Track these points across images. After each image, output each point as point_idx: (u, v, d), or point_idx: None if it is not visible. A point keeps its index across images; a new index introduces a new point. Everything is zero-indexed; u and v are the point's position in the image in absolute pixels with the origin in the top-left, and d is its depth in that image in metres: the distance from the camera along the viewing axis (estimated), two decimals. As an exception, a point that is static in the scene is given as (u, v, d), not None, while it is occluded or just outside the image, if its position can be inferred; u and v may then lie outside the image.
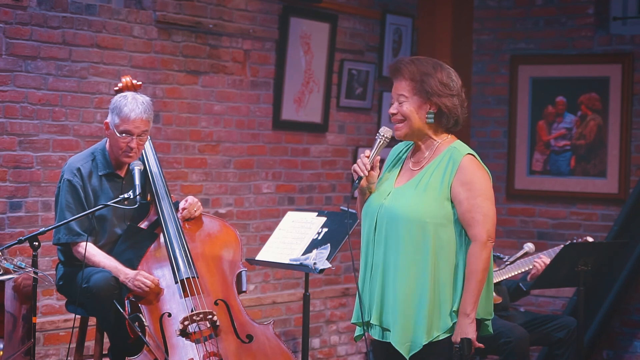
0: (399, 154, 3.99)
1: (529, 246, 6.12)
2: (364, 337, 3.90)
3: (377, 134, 3.90)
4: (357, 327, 3.95)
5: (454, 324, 3.73)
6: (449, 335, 3.73)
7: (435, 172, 3.79)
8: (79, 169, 4.88)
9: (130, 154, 4.88)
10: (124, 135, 4.84)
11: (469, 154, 3.80)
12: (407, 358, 3.74)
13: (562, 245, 5.77)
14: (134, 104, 4.86)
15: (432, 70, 3.80)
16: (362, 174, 3.84)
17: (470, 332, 3.70)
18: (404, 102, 3.82)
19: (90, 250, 4.78)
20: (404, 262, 3.74)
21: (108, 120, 4.91)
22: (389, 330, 3.79)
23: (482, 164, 3.83)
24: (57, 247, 4.98)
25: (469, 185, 3.74)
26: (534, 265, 5.91)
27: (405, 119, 3.82)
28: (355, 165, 3.85)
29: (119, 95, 4.94)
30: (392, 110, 3.85)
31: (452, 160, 3.77)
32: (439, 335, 3.73)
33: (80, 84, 5.73)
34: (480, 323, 3.82)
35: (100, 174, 4.91)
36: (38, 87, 5.55)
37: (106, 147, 4.96)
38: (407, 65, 3.82)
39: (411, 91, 3.80)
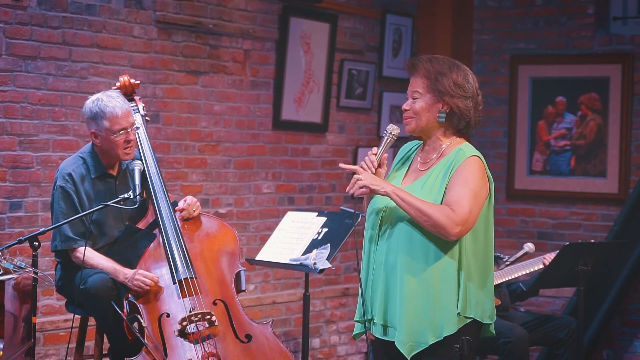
0: (407, 152, 3.98)
1: (529, 246, 6.12)
2: (364, 334, 3.90)
3: (385, 131, 3.88)
4: (356, 325, 3.95)
5: (459, 325, 3.73)
6: (450, 337, 3.73)
7: (440, 174, 3.78)
8: (70, 174, 4.86)
9: (129, 150, 4.88)
10: (121, 133, 4.84)
11: (474, 155, 3.79)
12: (409, 358, 3.74)
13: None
14: (113, 102, 4.85)
15: (447, 70, 3.78)
16: (369, 172, 3.83)
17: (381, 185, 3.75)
18: (417, 99, 3.81)
19: (88, 254, 4.77)
20: (408, 262, 3.73)
21: (93, 129, 4.86)
22: (392, 329, 3.78)
23: (486, 168, 3.81)
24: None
25: (457, 175, 3.74)
26: (543, 265, 5.91)
27: (416, 116, 3.82)
28: (362, 162, 3.84)
29: (89, 102, 4.89)
30: (405, 106, 3.85)
31: (455, 161, 3.76)
32: (442, 337, 3.72)
33: (80, 84, 5.74)
34: (482, 325, 3.83)
35: (92, 176, 4.90)
36: (38, 87, 5.55)
37: (94, 149, 4.94)
38: (423, 62, 3.82)
39: (425, 89, 3.80)
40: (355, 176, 3.78)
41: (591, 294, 6.75)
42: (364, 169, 3.82)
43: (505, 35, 7.70)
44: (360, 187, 3.76)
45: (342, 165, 3.87)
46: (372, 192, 3.78)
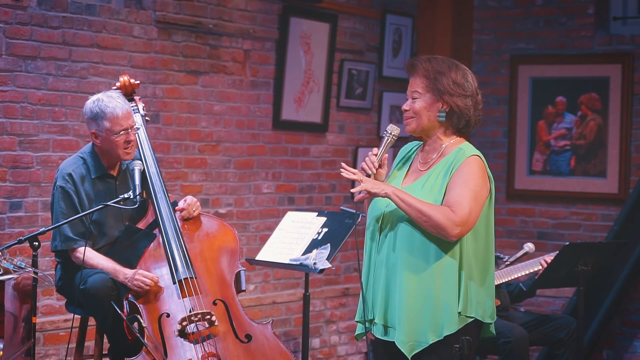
0: (408, 152, 3.99)
1: (529, 246, 6.12)
2: (365, 335, 3.90)
3: (385, 132, 3.89)
4: (358, 325, 3.95)
5: (460, 325, 3.73)
6: (451, 336, 3.72)
7: (440, 174, 3.79)
8: (70, 175, 4.86)
9: (130, 150, 4.88)
10: (121, 133, 4.83)
11: (474, 155, 3.80)
12: (410, 357, 3.74)
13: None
14: (113, 102, 4.84)
15: (446, 69, 3.80)
16: (370, 172, 3.83)
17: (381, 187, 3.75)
18: (417, 99, 3.82)
19: (88, 254, 4.77)
20: (409, 262, 3.74)
21: (94, 129, 4.85)
22: (392, 329, 3.79)
23: (486, 167, 3.81)
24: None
25: (458, 175, 3.74)
26: (541, 266, 5.91)
27: (416, 116, 3.83)
28: (363, 163, 3.85)
29: (90, 102, 4.88)
30: (405, 107, 3.86)
31: (456, 161, 3.77)
32: (442, 336, 3.72)
33: (80, 84, 5.74)
34: (482, 325, 3.83)
35: (93, 177, 4.90)
36: (38, 87, 5.55)
37: (94, 150, 4.93)
38: (422, 62, 3.83)
39: (424, 88, 3.81)
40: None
41: (591, 294, 6.75)
42: (364, 170, 3.83)
43: (505, 35, 7.70)
44: (359, 192, 3.78)
45: (342, 172, 3.86)
46: (372, 196, 3.79)
